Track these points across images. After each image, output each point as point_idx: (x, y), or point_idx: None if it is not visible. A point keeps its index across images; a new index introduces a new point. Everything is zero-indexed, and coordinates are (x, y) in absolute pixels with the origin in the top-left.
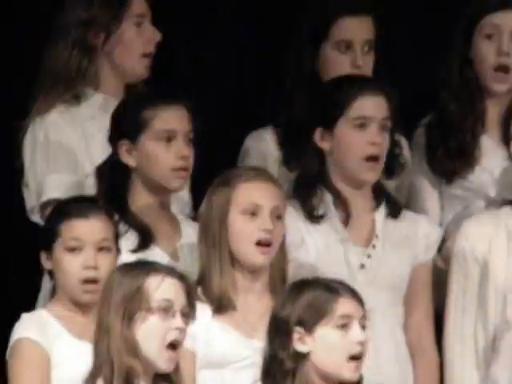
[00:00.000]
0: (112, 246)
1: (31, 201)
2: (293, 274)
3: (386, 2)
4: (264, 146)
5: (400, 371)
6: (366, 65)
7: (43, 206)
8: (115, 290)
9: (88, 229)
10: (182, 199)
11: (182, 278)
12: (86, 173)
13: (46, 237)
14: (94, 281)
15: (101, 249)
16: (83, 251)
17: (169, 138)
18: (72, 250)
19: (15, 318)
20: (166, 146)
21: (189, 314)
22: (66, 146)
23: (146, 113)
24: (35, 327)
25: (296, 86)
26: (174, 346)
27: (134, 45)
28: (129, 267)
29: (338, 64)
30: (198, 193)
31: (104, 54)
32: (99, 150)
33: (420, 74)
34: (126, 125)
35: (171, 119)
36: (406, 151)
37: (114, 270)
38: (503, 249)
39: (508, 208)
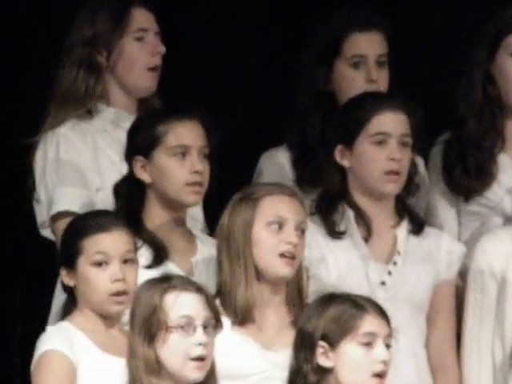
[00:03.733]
0: (135, 257)
1: (42, 215)
2: (313, 290)
3: (405, 15)
4: (278, 166)
5: None
6: (380, 79)
7: (53, 219)
8: (137, 309)
9: (112, 242)
10: (194, 217)
11: (200, 290)
12: (95, 187)
13: (67, 254)
14: (123, 292)
15: (126, 261)
16: (109, 265)
17: (183, 153)
18: (98, 264)
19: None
20: (180, 161)
21: (213, 324)
22: (75, 160)
23: (159, 128)
24: (62, 339)
25: (309, 105)
26: (199, 359)
27: (136, 59)
28: (148, 285)
29: (352, 80)
30: (212, 211)
31: (109, 71)
32: (108, 164)
33: (434, 92)
34: (140, 141)
35: (185, 134)
36: (422, 170)
37: (138, 288)
38: None
39: None
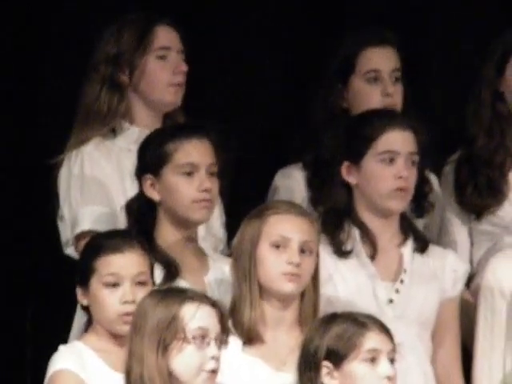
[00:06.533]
0: (148, 279)
1: (66, 234)
2: (321, 309)
3: (415, 31)
4: (293, 184)
5: None
6: (396, 93)
7: (77, 238)
8: (149, 318)
9: (124, 264)
10: (215, 235)
11: (214, 304)
12: (120, 205)
13: (81, 273)
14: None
15: (138, 283)
16: (121, 286)
17: (191, 171)
18: (109, 285)
19: (49, 351)
20: (188, 179)
21: (222, 339)
22: (100, 179)
23: (167, 146)
24: (74, 359)
25: (324, 123)
26: (211, 372)
27: (158, 77)
28: (161, 295)
29: (368, 95)
30: (228, 229)
31: (132, 89)
32: (133, 183)
33: (449, 110)
34: (149, 159)
35: (193, 152)
36: (436, 188)
37: (146, 297)
38: None
39: None
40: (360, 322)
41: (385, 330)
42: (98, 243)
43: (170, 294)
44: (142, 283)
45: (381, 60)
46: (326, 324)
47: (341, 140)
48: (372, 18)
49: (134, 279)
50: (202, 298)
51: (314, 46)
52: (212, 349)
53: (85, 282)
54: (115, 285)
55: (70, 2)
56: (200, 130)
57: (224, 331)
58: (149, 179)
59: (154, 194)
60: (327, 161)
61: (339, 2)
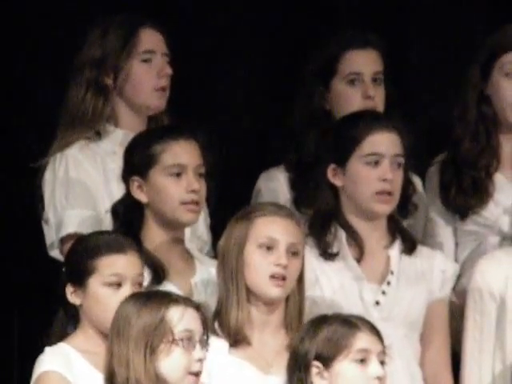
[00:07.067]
0: (143, 280)
1: (51, 236)
2: (307, 311)
3: (400, 35)
4: (276, 186)
5: None
6: (377, 96)
7: (62, 241)
8: (133, 322)
9: (127, 264)
10: (200, 237)
11: (197, 307)
12: (105, 208)
13: (77, 272)
14: None
15: (138, 284)
16: (123, 287)
17: (179, 172)
18: (112, 285)
19: (36, 352)
20: (176, 180)
21: (204, 342)
22: (85, 182)
23: (155, 148)
24: (60, 361)
25: (306, 125)
26: (196, 374)
27: (143, 81)
28: (144, 298)
29: (349, 98)
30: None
31: (117, 93)
32: (118, 186)
33: (433, 112)
34: (136, 161)
35: (180, 153)
36: (420, 189)
37: (126, 301)
38: None
39: None
40: (350, 322)
41: (375, 331)
42: (97, 243)
43: (154, 297)
44: (140, 285)
45: (362, 62)
46: (317, 325)
47: (326, 142)
48: (360, 19)
49: (135, 280)
50: (186, 300)
51: (299, 47)
52: (198, 351)
53: (80, 282)
54: (118, 285)
55: (70, 2)
56: (187, 131)
57: (206, 334)
58: (136, 181)
59: (141, 196)
60: (310, 162)
61: (327, 3)
